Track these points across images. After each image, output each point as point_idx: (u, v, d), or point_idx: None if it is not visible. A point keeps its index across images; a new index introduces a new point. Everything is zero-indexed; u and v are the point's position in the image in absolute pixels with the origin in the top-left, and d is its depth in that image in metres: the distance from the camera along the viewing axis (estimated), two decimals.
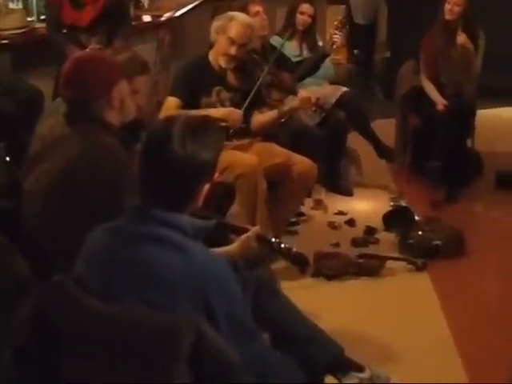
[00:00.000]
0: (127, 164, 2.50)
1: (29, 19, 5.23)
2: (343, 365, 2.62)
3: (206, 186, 2.01)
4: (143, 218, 1.93)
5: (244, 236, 2.61)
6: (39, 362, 1.87)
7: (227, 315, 1.89)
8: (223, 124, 3.97)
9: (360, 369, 2.67)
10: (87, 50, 4.49)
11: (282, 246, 2.66)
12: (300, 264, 2.70)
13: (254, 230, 2.66)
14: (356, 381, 2.67)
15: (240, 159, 4.04)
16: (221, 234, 2.90)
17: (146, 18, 6.10)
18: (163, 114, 4.02)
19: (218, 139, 2.06)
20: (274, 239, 2.67)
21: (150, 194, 1.96)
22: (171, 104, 4.09)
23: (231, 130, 4.14)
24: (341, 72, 8.09)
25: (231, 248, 2.62)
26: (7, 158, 3.85)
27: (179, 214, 1.95)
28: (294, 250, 2.67)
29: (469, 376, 3.25)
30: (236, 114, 4.13)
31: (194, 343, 1.70)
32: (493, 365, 3.26)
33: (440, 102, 5.39)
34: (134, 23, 5.66)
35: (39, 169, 2.65)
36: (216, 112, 4.07)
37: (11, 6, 6.36)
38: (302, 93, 4.40)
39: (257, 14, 5.08)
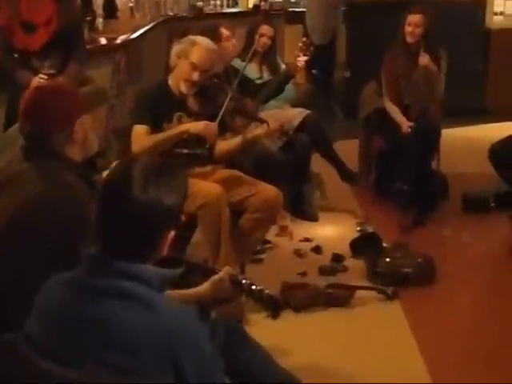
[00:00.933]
0: (89, 205, 2.30)
1: None
2: None
3: (171, 233, 1.82)
4: (103, 269, 1.73)
5: (216, 277, 2.46)
6: None
7: (197, 373, 1.71)
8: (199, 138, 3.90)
9: None
10: (40, 75, 4.32)
11: (254, 287, 2.51)
12: (272, 307, 2.56)
13: (226, 271, 2.51)
14: None
15: (202, 188, 3.87)
16: (187, 275, 2.76)
17: (102, 41, 5.91)
18: (135, 144, 3.91)
19: (182, 182, 1.87)
20: (244, 280, 2.52)
21: (109, 242, 1.77)
22: (140, 132, 3.93)
23: (207, 146, 3.99)
24: (300, 92, 8.05)
25: (201, 290, 2.46)
26: None
27: (142, 265, 1.76)
28: (266, 292, 2.52)
29: None
30: (211, 126, 3.97)
31: None
32: None
33: (405, 124, 5.29)
34: (88, 46, 5.50)
35: None
36: (191, 126, 3.95)
37: None
38: (271, 124, 4.23)
39: (228, 38, 4.97)
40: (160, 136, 3.94)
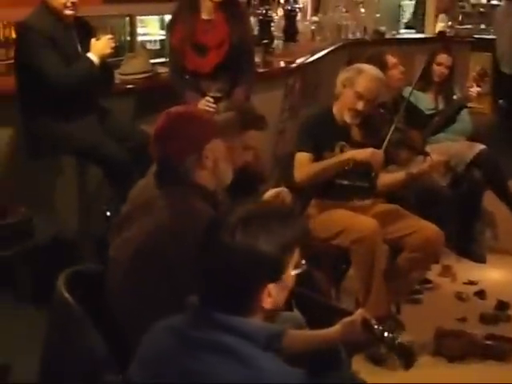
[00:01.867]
0: None
1: (152, 61, 5.14)
2: None
3: (272, 286, 1.68)
4: (204, 320, 1.63)
5: (349, 319, 2.31)
6: None
7: None
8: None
9: None
10: (206, 98, 4.35)
11: (386, 334, 2.36)
12: (404, 358, 2.38)
13: (360, 313, 2.35)
14: None
15: (358, 222, 3.75)
16: (322, 315, 2.63)
17: (277, 64, 5.88)
18: (297, 171, 3.87)
19: (287, 232, 1.71)
20: (377, 326, 2.36)
21: (207, 291, 1.68)
22: (303, 159, 3.87)
23: (373, 174, 3.87)
24: (483, 123, 7.70)
25: (331, 332, 2.32)
26: (108, 213, 3.73)
27: (244, 318, 1.64)
28: (399, 340, 2.34)
29: None
30: (378, 154, 3.82)
31: None
32: None
33: None
34: (263, 70, 5.50)
35: (125, 234, 2.42)
36: (357, 153, 3.83)
37: (149, 46, 6.45)
38: (434, 157, 4.00)
39: (394, 65, 4.79)
40: (324, 163, 3.85)
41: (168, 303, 1.87)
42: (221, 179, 2.48)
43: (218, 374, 1.57)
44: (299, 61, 5.94)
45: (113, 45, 4.22)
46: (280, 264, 1.69)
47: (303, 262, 1.80)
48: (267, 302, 1.68)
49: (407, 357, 2.53)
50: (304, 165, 3.86)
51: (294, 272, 1.75)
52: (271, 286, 1.67)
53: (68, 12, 4.15)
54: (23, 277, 4.03)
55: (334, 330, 2.31)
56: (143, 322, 1.90)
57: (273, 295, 1.68)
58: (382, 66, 4.48)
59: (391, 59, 4.79)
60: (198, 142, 2.38)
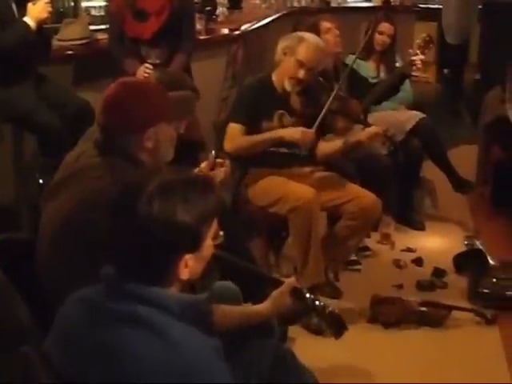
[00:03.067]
0: None
1: (91, 28, 5.05)
2: None
3: (189, 256, 1.66)
4: (118, 291, 1.60)
5: (278, 291, 2.33)
6: None
7: None
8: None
9: None
10: (145, 65, 4.27)
11: (317, 303, 2.36)
12: (334, 327, 2.38)
13: (289, 283, 2.35)
14: None
15: (296, 190, 3.75)
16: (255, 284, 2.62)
17: (221, 32, 5.80)
18: (227, 143, 3.84)
19: (205, 203, 1.68)
20: (308, 295, 2.36)
21: (122, 262, 1.64)
22: (235, 132, 3.84)
23: (301, 154, 3.88)
24: (427, 91, 7.74)
25: (262, 308, 2.33)
26: (40, 181, 3.66)
27: (159, 289, 1.62)
28: (330, 309, 2.35)
29: None
30: (308, 134, 3.79)
31: None
32: None
33: None
34: (205, 37, 5.43)
35: (56, 202, 2.36)
36: (287, 134, 3.80)
37: (93, 12, 6.30)
38: (371, 129, 3.98)
39: (328, 30, 4.78)
40: (254, 138, 3.83)
41: (90, 274, 1.83)
42: (160, 159, 2.43)
43: (133, 345, 1.54)
44: (243, 28, 5.87)
45: (50, 9, 4.10)
46: (198, 235, 1.67)
47: (221, 233, 1.78)
48: (184, 273, 1.66)
49: (337, 326, 2.54)
50: (234, 137, 3.83)
51: (211, 243, 1.73)
52: (188, 257, 1.65)
53: None
54: None
55: (265, 305, 2.32)
56: (67, 292, 1.87)
57: (190, 266, 1.66)
58: (316, 31, 4.46)
59: (325, 24, 4.77)
60: (143, 124, 2.32)
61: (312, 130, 3.80)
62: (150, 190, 1.61)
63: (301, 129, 3.81)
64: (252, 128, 3.84)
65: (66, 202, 2.32)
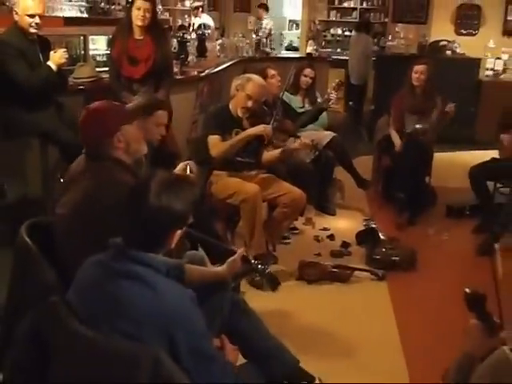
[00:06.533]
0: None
1: (97, 69, 4.98)
2: (298, 376, 2.28)
3: (178, 232, 1.68)
4: (122, 255, 1.61)
5: (232, 258, 2.35)
6: (33, 370, 1.56)
7: (189, 349, 1.56)
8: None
9: (311, 379, 2.32)
10: (137, 97, 4.22)
11: (260, 267, 2.39)
12: (271, 283, 2.44)
13: (240, 252, 2.39)
14: None
15: (245, 187, 3.75)
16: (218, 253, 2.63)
17: (192, 73, 5.78)
18: (213, 148, 3.78)
19: (189, 194, 1.71)
20: (253, 260, 2.39)
21: (130, 236, 1.64)
22: (215, 141, 3.79)
23: (266, 141, 3.87)
24: (338, 118, 7.83)
25: (220, 269, 2.34)
26: (61, 180, 3.60)
27: (153, 254, 1.62)
28: (268, 270, 2.38)
29: (410, 375, 2.90)
30: (268, 129, 3.83)
31: (151, 372, 1.38)
32: (432, 367, 2.84)
33: (398, 144, 5.08)
34: (180, 77, 5.40)
35: (66, 197, 2.33)
36: (253, 130, 3.82)
37: (98, 58, 6.20)
38: (303, 139, 4.06)
39: (273, 76, 4.82)
40: (231, 141, 3.80)
41: (95, 247, 1.81)
42: (134, 154, 2.36)
43: (131, 295, 1.55)
44: (207, 71, 5.86)
45: (66, 56, 4.04)
46: (187, 217, 1.71)
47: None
48: (173, 243, 1.69)
49: (273, 283, 2.59)
50: (216, 143, 3.78)
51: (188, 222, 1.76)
52: (178, 232, 1.69)
53: (33, 30, 3.97)
54: None
55: (222, 268, 2.33)
56: (81, 259, 1.86)
57: (177, 238, 1.69)
58: (264, 76, 4.48)
59: (271, 71, 4.81)
60: (110, 130, 2.26)
61: (270, 126, 3.85)
62: (155, 186, 1.64)
63: (262, 125, 3.83)
64: (224, 138, 3.82)
65: (71, 197, 2.28)
